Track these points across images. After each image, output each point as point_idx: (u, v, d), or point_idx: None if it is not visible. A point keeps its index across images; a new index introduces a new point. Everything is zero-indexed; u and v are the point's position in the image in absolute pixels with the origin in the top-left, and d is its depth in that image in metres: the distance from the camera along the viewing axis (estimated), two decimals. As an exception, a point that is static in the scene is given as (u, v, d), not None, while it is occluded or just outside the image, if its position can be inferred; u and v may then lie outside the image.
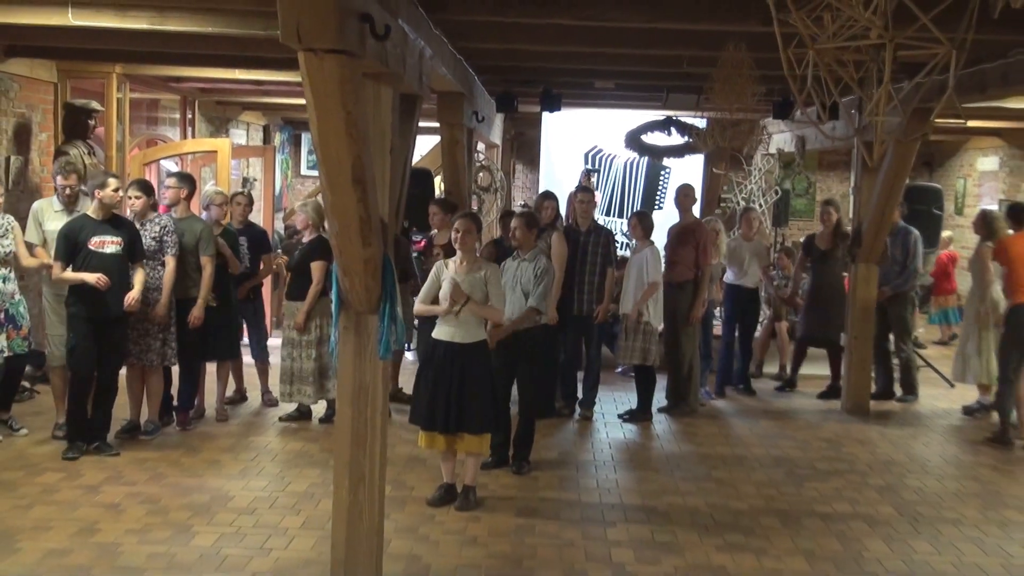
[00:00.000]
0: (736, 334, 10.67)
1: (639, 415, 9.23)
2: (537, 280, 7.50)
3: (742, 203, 13.92)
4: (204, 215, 8.78)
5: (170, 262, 7.96)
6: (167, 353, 8.08)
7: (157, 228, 7.99)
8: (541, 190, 15.29)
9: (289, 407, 8.99)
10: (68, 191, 8.04)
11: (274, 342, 10.00)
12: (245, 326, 9.32)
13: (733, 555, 6.12)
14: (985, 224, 9.64)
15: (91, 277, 7.38)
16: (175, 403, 8.61)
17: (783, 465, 8.08)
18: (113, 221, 7.59)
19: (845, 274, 10.81)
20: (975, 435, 9.25)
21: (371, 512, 5.32)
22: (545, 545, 6.19)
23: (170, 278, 7.94)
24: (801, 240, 12.00)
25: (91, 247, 7.46)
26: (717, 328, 10.88)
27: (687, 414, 9.53)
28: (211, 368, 8.94)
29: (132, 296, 7.60)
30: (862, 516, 6.91)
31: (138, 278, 7.69)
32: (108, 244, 7.51)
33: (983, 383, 9.79)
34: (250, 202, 9.39)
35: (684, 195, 9.81)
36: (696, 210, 10.20)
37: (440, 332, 6.72)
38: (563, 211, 10.41)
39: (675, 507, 6.97)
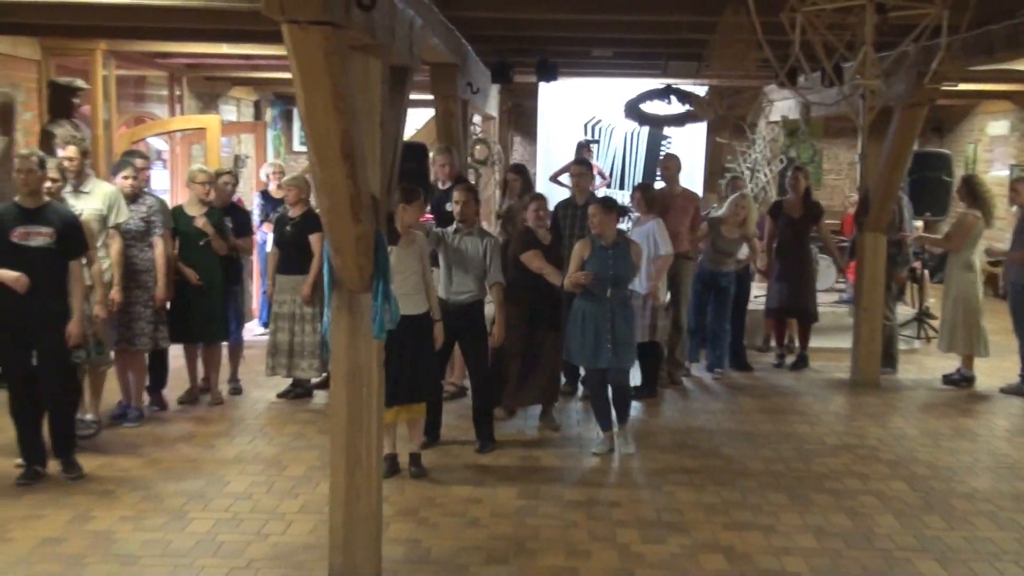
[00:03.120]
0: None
1: (644, 392, 9.06)
2: (488, 255, 7.46)
3: (747, 172, 13.74)
4: (186, 193, 8.68)
5: (158, 243, 7.82)
6: (159, 336, 7.95)
7: (145, 208, 7.83)
8: (538, 162, 15.20)
9: (283, 383, 8.90)
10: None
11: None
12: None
13: (741, 533, 5.99)
14: (969, 191, 9.52)
15: (9, 276, 6.42)
16: (162, 386, 8.49)
17: (791, 440, 7.94)
18: (44, 210, 6.60)
19: (815, 244, 10.72)
20: (987, 407, 9.11)
21: (369, 495, 5.20)
22: (548, 526, 6.06)
23: (163, 258, 7.83)
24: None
25: (13, 239, 6.47)
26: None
27: (666, 387, 9.45)
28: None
29: (114, 299, 7.44)
30: (872, 491, 6.77)
31: (75, 275, 6.69)
32: (34, 236, 6.51)
33: (967, 353, 9.68)
34: (236, 181, 9.19)
35: (667, 166, 9.78)
36: (699, 180, 10.05)
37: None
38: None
39: (681, 485, 6.83)
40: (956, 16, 5.31)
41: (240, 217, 9.00)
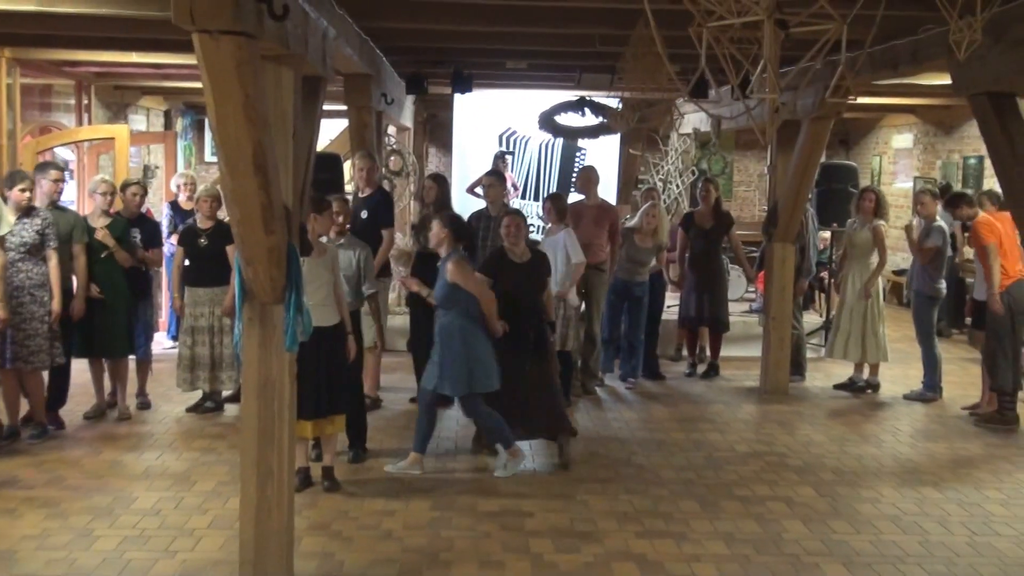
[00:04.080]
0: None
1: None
2: (363, 267, 7.49)
3: (659, 184, 13.90)
4: (90, 204, 8.51)
5: (52, 256, 7.62)
6: (55, 352, 7.73)
7: (39, 221, 7.59)
8: (454, 173, 15.20)
9: (193, 398, 8.78)
10: None
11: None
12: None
13: (652, 541, 6.05)
14: (879, 202, 9.83)
15: None
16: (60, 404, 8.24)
17: (703, 448, 8.04)
18: None
19: (726, 255, 10.92)
20: (892, 414, 9.34)
21: (280, 509, 5.15)
22: (462, 537, 6.05)
23: (56, 271, 7.62)
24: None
25: None
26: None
27: (579, 396, 9.52)
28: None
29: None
30: (781, 498, 6.89)
31: None
32: None
33: (874, 362, 9.93)
34: (144, 192, 9.02)
35: (586, 178, 9.90)
36: (613, 191, 10.15)
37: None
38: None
39: (594, 494, 6.88)
40: (862, 31, 5.45)
41: (149, 228, 8.83)
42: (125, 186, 8.84)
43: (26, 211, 7.55)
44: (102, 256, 8.21)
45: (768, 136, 5.00)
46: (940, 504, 6.83)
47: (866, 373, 10.12)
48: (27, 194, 7.56)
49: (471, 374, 7.06)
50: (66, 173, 12.13)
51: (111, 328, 8.30)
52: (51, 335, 7.66)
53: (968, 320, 11.84)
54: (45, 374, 7.98)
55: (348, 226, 7.59)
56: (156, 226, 9.15)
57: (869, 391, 10.01)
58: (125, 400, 8.61)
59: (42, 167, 8.29)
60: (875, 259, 9.81)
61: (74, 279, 8.06)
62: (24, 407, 7.93)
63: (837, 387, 10.16)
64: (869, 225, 9.80)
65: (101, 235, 8.20)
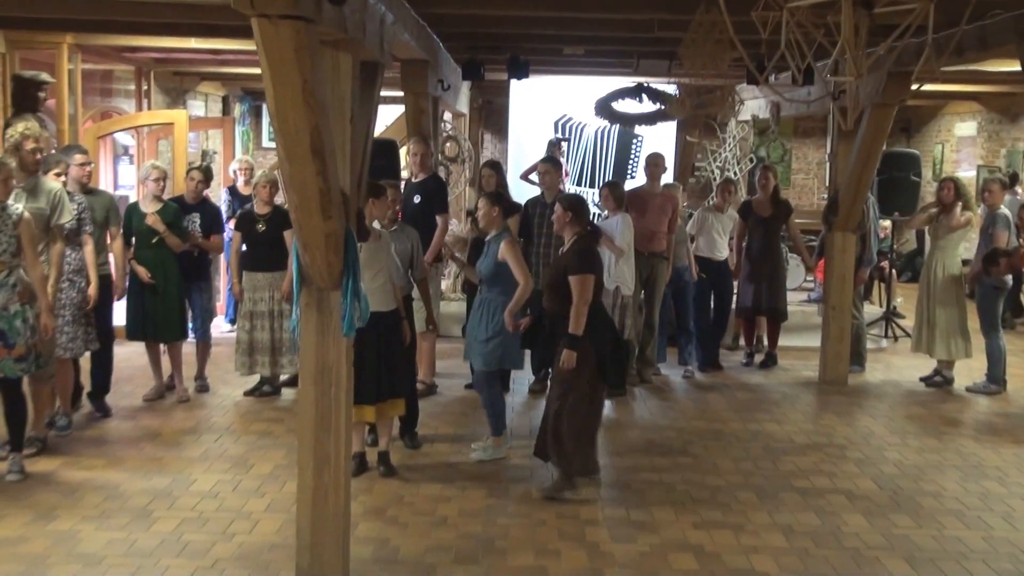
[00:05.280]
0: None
1: (613, 390, 9.03)
2: (415, 253, 7.51)
3: (716, 171, 13.77)
4: (142, 190, 8.54)
5: (89, 241, 7.51)
6: (89, 338, 7.66)
7: (75, 207, 7.45)
8: (509, 160, 15.16)
9: (251, 382, 8.86)
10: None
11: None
12: (188, 306, 8.97)
13: (710, 532, 5.99)
14: (961, 192, 9.63)
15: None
16: (87, 390, 8.20)
17: (760, 439, 7.95)
18: None
19: (784, 243, 10.78)
20: (955, 406, 9.17)
21: (336, 494, 5.14)
22: (517, 525, 6.03)
23: (91, 256, 7.51)
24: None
25: None
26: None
27: (636, 385, 9.46)
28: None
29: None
30: (841, 490, 6.78)
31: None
32: None
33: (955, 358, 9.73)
34: (205, 178, 9.04)
35: (654, 164, 9.77)
36: (669, 178, 10.07)
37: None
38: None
39: (651, 484, 6.82)
40: (946, 13, 5.33)
41: (209, 213, 8.90)
42: (187, 171, 8.92)
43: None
44: (152, 241, 8.26)
45: (850, 121, 4.90)
46: (1004, 499, 6.69)
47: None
48: (62, 178, 7.47)
49: (504, 352, 7.12)
50: (125, 158, 12.37)
51: (164, 313, 8.36)
52: (86, 321, 7.59)
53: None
54: (83, 362, 7.98)
55: (400, 212, 7.58)
56: (217, 211, 9.20)
57: (945, 385, 9.82)
58: (183, 383, 8.68)
59: (66, 150, 8.19)
60: (962, 249, 9.60)
61: (109, 261, 8.05)
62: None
63: (924, 380, 9.94)
64: (953, 216, 9.58)
65: (151, 220, 8.23)
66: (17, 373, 6.54)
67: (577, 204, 6.81)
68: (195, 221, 8.67)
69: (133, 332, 8.42)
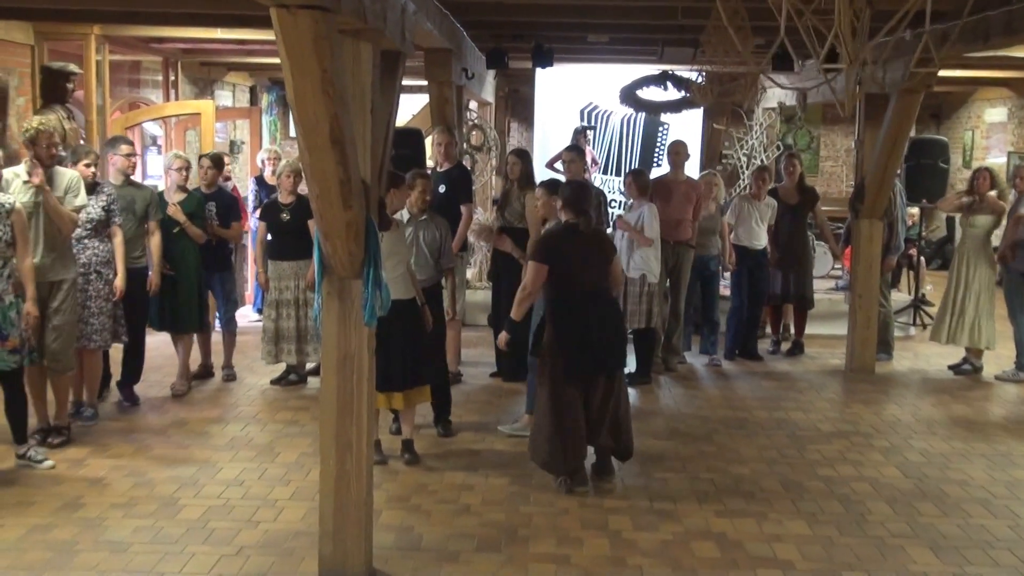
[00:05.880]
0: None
1: (638, 378, 9.04)
2: (443, 241, 7.47)
3: (743, 159, 13.70)
4: (166, 180, 8.57)
5: (118, 232, 7.54)
6: (119, 330, 7.69)
7: (104, 197, 7.49)
8: (535, 148, 15.16)
9: (278, 370, 8.90)
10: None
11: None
12: (212, 296, 9.04)
13: (733, 521, 5.98)
14: (995, 181, 9.55)
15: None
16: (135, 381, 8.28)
17: (785, 428, 7.92)
18: None
19: (811, 231, 10.71)
20: (983, 394, 9.11)
21: (359, 482, 5.16)
22: (540, 513, 6.04)
23: (121, 248, 7.54)
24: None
25: None
26: (724, 288, 10.64)
27: (661, 373, 9.45)
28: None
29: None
30: (866, 478, 6.76)
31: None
32: None
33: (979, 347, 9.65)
34: (215, 165, 9.04)
35: (676, 152, 9.75)
36: (695, 167, 10.03)
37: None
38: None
39: (674, 473, 6.82)
40: (956, 2, 5.27)
41: (224, 202, 8.93)
42: (200, 160, 8.96)
43: (91, 187, 7.40)
44: (173, 232, 8.28)
45: (848, 109, 4.87)
46: (1032, 488, 6.65)
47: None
48: (92, 169, 7.46)
49: None
50: (153, 148, 12.43)
51: (182, 304, 8.39)
52: (115, 313, 7.60)
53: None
54: (115, 352, 8.04)
55: (429, 202, 7.57)
56: (233, 200, 9.22)
57: (973, 373, 9.75)
58: (186, 375, 8.64)
59: (112, 142, 8.26)
60: (993, 241, 9.55)
61: (145, 254, 8.10)
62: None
63: (952, 368, 9.89)
64: (988, 205, 9.50)
65: (172, 211, 8.26)
66: (11, 365, 6.49)
67: (570, 192, 6.70)
68: (211, 210, 8.70)
69: (159, 323, 8.47)
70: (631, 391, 8.59)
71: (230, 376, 9.00)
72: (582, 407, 6.43)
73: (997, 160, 16.10)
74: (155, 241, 8.02)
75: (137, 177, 11.09)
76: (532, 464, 6.70)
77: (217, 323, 9.23)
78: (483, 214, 12.11)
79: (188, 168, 8.60)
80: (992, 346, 9.61)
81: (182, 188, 8.46)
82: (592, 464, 6.64)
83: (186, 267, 8.39)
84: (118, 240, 7.53)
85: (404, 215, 7.35)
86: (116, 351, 8.05)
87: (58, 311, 6.94)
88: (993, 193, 9.57)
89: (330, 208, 4.76)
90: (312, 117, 4.41)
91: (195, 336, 8.73)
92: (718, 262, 9.95)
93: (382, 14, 5.02)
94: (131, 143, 8.31)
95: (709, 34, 8.31)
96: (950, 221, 15.98)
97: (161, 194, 8.47)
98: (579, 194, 6.64)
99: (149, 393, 8.44)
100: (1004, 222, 9.52)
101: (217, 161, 9.15)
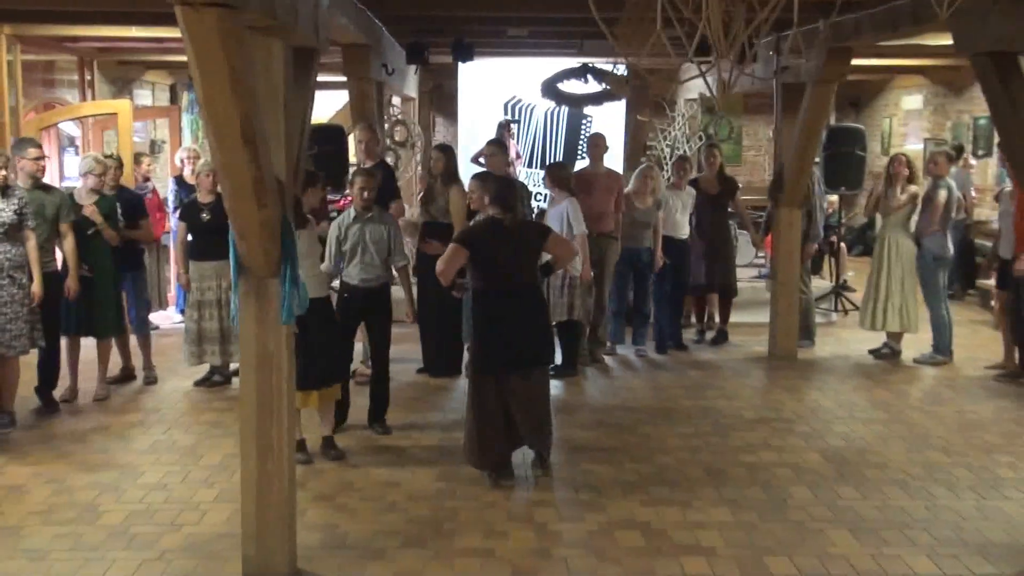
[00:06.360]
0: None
1: (564, 370, 9.08)
2: (392, 239, 7.42)
3: (667, 150, 13.81)
4: (81, 182, 8.39)
5: (31, 236, 7.40)
6: (36, 335, 7.53)
7: (16, 201, 7.32)
8: (460, 143, 15.14)
9: (201, 372, 8.80)
10: None
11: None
12: (125, 297, 8.86)
13: (657, 509, 6.04)
14: (912, 169, 9.75)
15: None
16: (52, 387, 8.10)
17: (709, 416, 8.01)
18: None
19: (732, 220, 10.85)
20: (902, 377, 9.30)
21: (281, 482, 5.12)
22: (466, 508, 6.05)
23: (35, 252, 7.40)
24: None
25: None
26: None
27: (587, 365, 9.50)
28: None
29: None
30: (787, 464, 6.86)
31: None
32: None
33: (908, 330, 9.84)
34: (119, 165, 8.93)
35: (595, 144, 9.83)
36: (619, 159, 10.07)
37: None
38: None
39: (599, 463, 6.86)
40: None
41: (130, 201, 8.75)
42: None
43: (2, 190, 7.25)
44: (88, 233, 8.09)
45: (720, 103, 4.95)
46: (948, 469, 6.79)
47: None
48: (3, 172, 7.26)
49: None
50: (71, 149, 12.20)
51: (99, 307, 8.22)
52: (32, 318, 7.44)
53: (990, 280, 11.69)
54: (28, 359, 7.80)
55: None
56: (137, 198, 9.07)
57: (892, 358, 9.94)
58: (104, 380, 8.51)
59: (19, 144, 8.00)
60: (912, 226, 9.73)
61: (56, 258, 7.94)
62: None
63: (873, 352, 10.07)
64: (904, 191, 9.67)
65: (89, 212, 8.07)
66: None
67: (494, 187, 6.73)
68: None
69: (75, 327, 8.23)
70: (557, 383, 8.67)
71: (150, 379, 8.87)
72: (500, 401, 6.46)
73: (914, 147, 16.42)
74: (69, 244, 7.82)
75: (55, 179, 10.95)
76: (459, 459, 6.71)
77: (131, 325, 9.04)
78: (409, 210, 12.08)
79: (106, 173, 8.42)
80: (914, 330, 9.79)
81: (94, 191, 8.28)
82: (532, 459, 6.73)
83: (102, 269, 8.22)
84: (31, 244, 7.38)
85: (351, 213, 7.32)
86: (30, 356, 7.87)
87: None
88: (903, 182, 9.74)
89: (244, 206, 4.71)
90: (222, 115, 4.36)
91: (113, 340, 8.57)
92: (651, 254, 9.96)
93: (293, 9, 4.96)
94: (39, 146, 8.09)
95: (621, 26, 8.35)
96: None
97: (71, 195, 8.30)
98: (504, 190, 6.66)
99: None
100: (919, 207, 9.69)
101: (119, 161, 9.02)
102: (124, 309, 8.72)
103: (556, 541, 5.58)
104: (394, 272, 7.58)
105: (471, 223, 6.94)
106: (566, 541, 5.59)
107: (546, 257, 6.80)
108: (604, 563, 5.32)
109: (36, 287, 7.39)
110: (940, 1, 4.42)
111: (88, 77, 12.26)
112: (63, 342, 8.21)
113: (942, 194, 9.45)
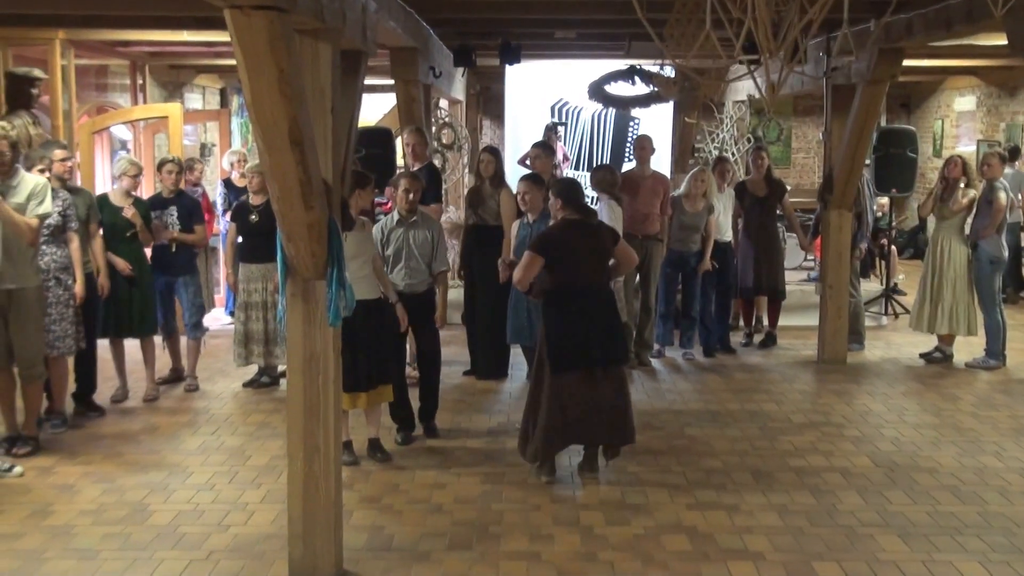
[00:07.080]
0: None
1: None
2: (436, 244, 7.38)
3: (715, 152, 13.73)
4: (115, 185, 8.47)
5: (74, 238, 7.46)
6: (79, 336, 7.59)
7: (60, 203, 7.35)
8: (506, 145, 15.15)
9: (250, 373, 8.87)
10: None
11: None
12: (178, 301, 8.93)
13: (704, 513, 5.99)
14: (968, 170, 9.62)
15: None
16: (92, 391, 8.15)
17: (757, 419, 7.94)
18: None
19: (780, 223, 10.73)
20: (954, 382, 9.17)
21: (328, 484, 5.15)
22: (512, 510, 6.04)
23: (78, 253, 7.47)
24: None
25: None
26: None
27: (634, 368, 9.39)
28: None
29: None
30: (837, 469, 6.78)
31: None
32: None
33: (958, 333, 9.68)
34: (180, 170, 8.98)
35: (641, 147, 9.80)
36: (667, 160, 10.02)
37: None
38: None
39: (646, 466, 6.82)
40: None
41: (186, 205, 8.81)
42: (161, 165, 8.85)
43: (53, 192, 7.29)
44: (127, 235, 8.16)
45: (771, 105, 4.89)
46: (1001, 474, 6.68)
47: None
48: (45, 174, 7.34)
49: None
50: (123, 152, 12.33)
51: (139, 307, 8.27)
52: (76, 319, 7.50)
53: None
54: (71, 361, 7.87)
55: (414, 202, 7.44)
56: (195, 203, 9.14)
57: (944, 361, 9.81)
58: (154, 380, 8.60)
59: (46, 146, 8.06)
60: (967, 229, 9.59)
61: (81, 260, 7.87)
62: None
63: (924, 356, 9.93)
64: (956, 196, 9.54)
65: (130, 214, 8.10)
66: None
67: (566, 190, 6.71)
68: (172, 214, 8.63)
69: (104, 329, 8.25)
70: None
71: (192, 386, 8.82)
72: (569, 400, 6.42)
73: (967, 148, 16.19)
74: (98, 244, 7.87)
75: (107, 182, 11.07)
76: (505, 461, 6.72)
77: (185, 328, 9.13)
78: (455, 212, 12.12)
79: (140, 175, 8.48)
80: (974, 332, 9.63)
81: (128, 194, 8.32)
82: (579, 462, 6.71)
83: (142, 271, 8.31)
84: (75, 245, 7.45)
85: (395, 217, 7.33)
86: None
87: (20, 319, 6.89)
88: (963, 185, 9.59)
89: (291, 209, 4.74)
90: (270, 118, 4.38)
91: (163, 341, 8.66)
92: (699, 258, 9.89)
93: (341, 13, 5.00)
94: (65, 147, 8.17)
95: (670, 27, 8.31)
96: (922, 210, 16.07)
97: (104, 197, 8.35)
98: (577, 193, 6.68)
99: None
100: (975, 209, 9.55)
101: (182, 165, 9.11)
102: (174, 311, 8.80)
103: (602, 545, 5.56)
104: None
105: (548, 229, 6.84)
106: (612, 544, 5.56)
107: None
108: (650, 567, 5.29)
109: (79, 288, 7.48)
110: (995, 0, 4.34)
111: (140, 81, 12.39)
112: (106, 344, 8.31)
113: (1001, 196, 9.31)
